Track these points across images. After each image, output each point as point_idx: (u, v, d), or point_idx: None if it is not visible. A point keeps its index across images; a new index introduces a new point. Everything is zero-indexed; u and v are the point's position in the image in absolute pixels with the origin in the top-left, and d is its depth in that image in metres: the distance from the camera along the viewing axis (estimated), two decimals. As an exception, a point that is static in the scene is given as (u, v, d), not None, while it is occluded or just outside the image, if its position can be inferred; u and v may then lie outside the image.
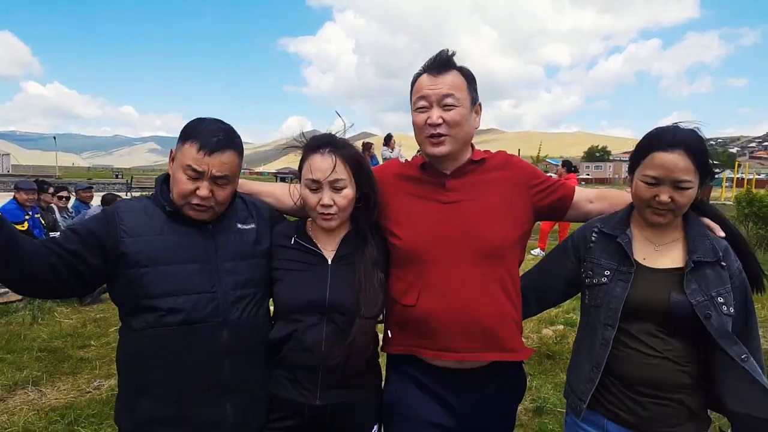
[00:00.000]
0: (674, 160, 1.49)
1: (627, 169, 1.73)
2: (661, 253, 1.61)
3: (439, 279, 1.65)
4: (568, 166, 10.61)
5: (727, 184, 32.36)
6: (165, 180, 1.64)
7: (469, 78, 1.71)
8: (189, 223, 1.59)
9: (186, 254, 1.55)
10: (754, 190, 10.75)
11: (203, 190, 1.53)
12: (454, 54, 1.70)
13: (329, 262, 1.69)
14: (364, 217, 1.75)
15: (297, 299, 1.64)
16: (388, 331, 1.78)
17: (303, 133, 1.77)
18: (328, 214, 1.65)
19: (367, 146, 10.88)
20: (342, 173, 1.63)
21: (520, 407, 3.82)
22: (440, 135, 1.66)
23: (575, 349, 1.79)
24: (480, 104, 1.76)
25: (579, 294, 1.82)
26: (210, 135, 1.53)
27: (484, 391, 1.71)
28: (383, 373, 1.86)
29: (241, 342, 1.58)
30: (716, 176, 1.67)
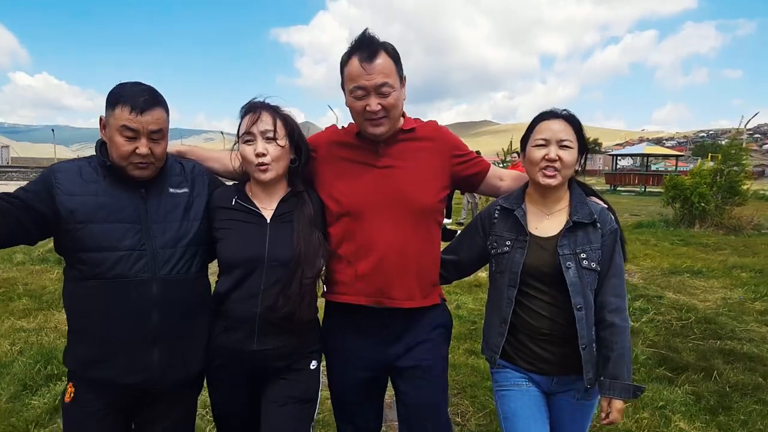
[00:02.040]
0: (557, 124, 1.85)
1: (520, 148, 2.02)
2: (551, 221, 1.89)
3: (371, 234, 1.85)
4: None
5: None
6: (102, 144, 1.76)
7: (396, 58, 1.84)
8: (122, 187, 1.72)
9: (118, 215, 1.68)
10: (679, 178, 12.84)
11: (142, 147, 1.66)
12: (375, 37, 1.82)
13: (268, 220, 1.84)
14: (300, 177, 1.92)
15: (239, 255, 1.79)
16: (326, 280, 1.98)
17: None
18: (263, 164, 1.80)
19: None
20: (270, 125, 1.80)
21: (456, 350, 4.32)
22: (379, 118, 1.83)
23: (487, 310, 2.05)
24: (405, 77, 1.91)
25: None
26: (137, 96, 1.65)
27: (412, 330, 1.93)
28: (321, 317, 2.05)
29: (171, 296, 1.72)
30: (589, 154, 2.01)
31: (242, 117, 1.83)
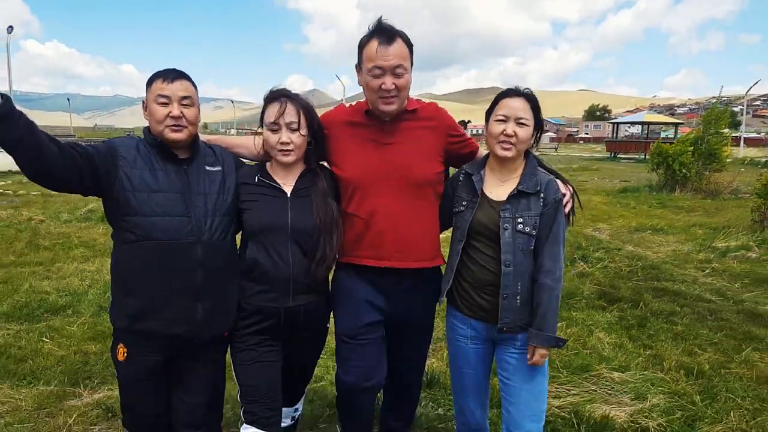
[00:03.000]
0: (517, 103, 2.05)
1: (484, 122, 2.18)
2: (504, 188, 2.10)
3: (378, 204, 2.12)
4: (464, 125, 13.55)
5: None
6: (148, 129, 2.02)
7: (410, 46, 2.10)
8: (169, 163, 1.97)
9: (168, 185, 1.94)
10: (663, 146, 13.77)
11: (175, 110, 1.92)
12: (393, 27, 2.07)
13: (288, 194, 2.10)
14: (314, 157, 2.18)
15: (265, 223, 2.05)
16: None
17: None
18: (287, 150, 2.05)
19: None
20: (294, 116, 2.03)
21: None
22: (392, 96, 2.07)
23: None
24: (413, 64, 2.16)
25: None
26: (166, 72, 1.97)
27: (409, 286, 2.22)
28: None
29: (212, 258, 1.96)
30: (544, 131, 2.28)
31: (267, 104, 2.08)
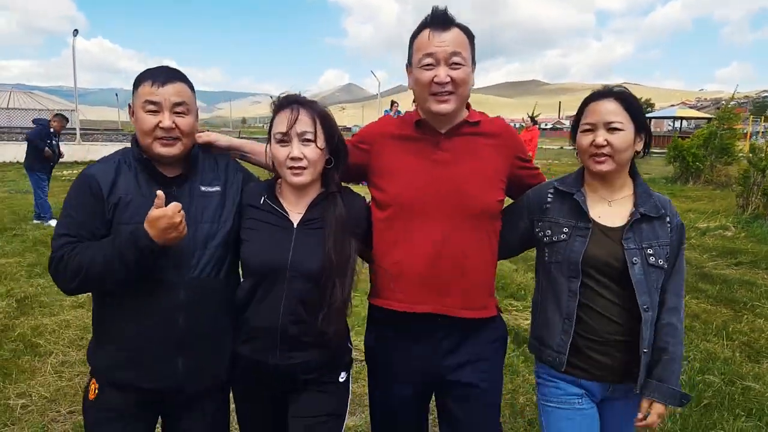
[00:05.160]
0: (605, 104, 1.67)
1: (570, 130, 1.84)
2: (614, 210, 1.72)
3: (425, 234, 1.72)
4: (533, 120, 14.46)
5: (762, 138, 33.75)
6: (136, 137, 1.67)
7: (470, 36, 1.74)
8: (154, 185, 1.63)
9: (147, 215, 1.55)
10: (680, 141, 15.01)
11: (165, 120, 1.59)
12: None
13: (294, 225, 1.70)
14: (334, 178, 1.76)
15: (259, 260, 1.67)
16: (371, 281, 1.84)
17: (279, 95, 1.75)
18: (299, 167, 1.65)
19: (394, 103, 13.25)
20: (309, 126, 1.65)
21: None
22: (447, 93, 1.69)
23: (539, 304, 1.83)
24: (475, 65, 1.79)
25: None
26: (157, 72, 1.63)
27: (469, 343, 1.77)
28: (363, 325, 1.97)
29: (199, 300, 1.64)
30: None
31: (276, 112, 1.71)
